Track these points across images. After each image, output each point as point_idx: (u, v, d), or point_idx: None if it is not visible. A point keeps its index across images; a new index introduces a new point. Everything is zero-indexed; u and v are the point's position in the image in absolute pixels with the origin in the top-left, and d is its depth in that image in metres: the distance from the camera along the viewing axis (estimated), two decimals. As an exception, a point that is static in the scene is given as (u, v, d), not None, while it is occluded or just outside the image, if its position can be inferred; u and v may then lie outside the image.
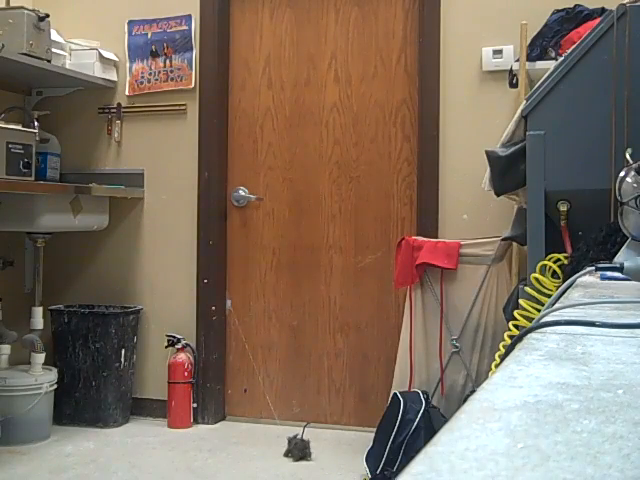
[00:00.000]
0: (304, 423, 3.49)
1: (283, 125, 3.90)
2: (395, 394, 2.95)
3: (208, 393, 3.84)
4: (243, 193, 3.91)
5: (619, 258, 1.54)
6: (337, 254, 3.82)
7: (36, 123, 3.65)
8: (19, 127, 3.44)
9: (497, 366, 2.26)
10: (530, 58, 3.17)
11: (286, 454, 3.34)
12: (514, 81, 3.24)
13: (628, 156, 1.75)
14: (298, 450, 3.33)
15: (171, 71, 3.89)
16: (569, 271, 2.06)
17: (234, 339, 3.94)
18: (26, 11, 3.40)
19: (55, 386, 3.60)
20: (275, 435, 3.63)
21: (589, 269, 1.45)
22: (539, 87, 2.41)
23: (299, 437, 3.36)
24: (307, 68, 3.87)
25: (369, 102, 3.79)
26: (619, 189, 1.59)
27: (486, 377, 2.76)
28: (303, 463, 3.26)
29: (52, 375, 3.60)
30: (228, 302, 3.95)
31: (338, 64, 3.83)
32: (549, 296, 1.88)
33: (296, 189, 3.88)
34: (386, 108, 3.76)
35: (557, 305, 1.16)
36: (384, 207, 3.75)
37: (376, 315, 3.77)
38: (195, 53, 3.87)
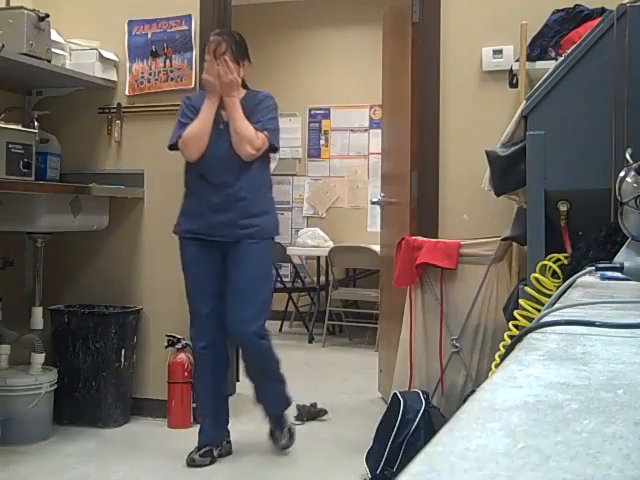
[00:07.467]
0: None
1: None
2: (395, 394, 2.94)
3: (208, 393, 3.83)
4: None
5: (619, 258, 1.54)
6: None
7: (36, 123, 3.65)
8: (19, 127, 3.43)
9: (497, 366, 2.26)
10: (530, 58, 3.16)
11: (297, 417, 3.75)
12: (514, 81, 3.24)
13: (628, 156, 1.74)
14: (306, 415, 3.77)
15: (171, 71, 3.89)
16: (569, 271, 2.06)
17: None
18: (26, 11, 3.39)
19: (55, 386, 3.60)
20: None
21: (589, 269, 1.45)
22: (539, 87, 2.40)
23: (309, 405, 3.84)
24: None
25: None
26: (619, 189, 1.59)
27: (486, 377, 2.75)
28: (304, 463, 3.26)
29: (52, 375, 3.60)
30: None
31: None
32: (549, 296, 1.88)
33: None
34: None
35: (557, 305, 1.16)
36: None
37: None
38: (195, 53, 3.86)
